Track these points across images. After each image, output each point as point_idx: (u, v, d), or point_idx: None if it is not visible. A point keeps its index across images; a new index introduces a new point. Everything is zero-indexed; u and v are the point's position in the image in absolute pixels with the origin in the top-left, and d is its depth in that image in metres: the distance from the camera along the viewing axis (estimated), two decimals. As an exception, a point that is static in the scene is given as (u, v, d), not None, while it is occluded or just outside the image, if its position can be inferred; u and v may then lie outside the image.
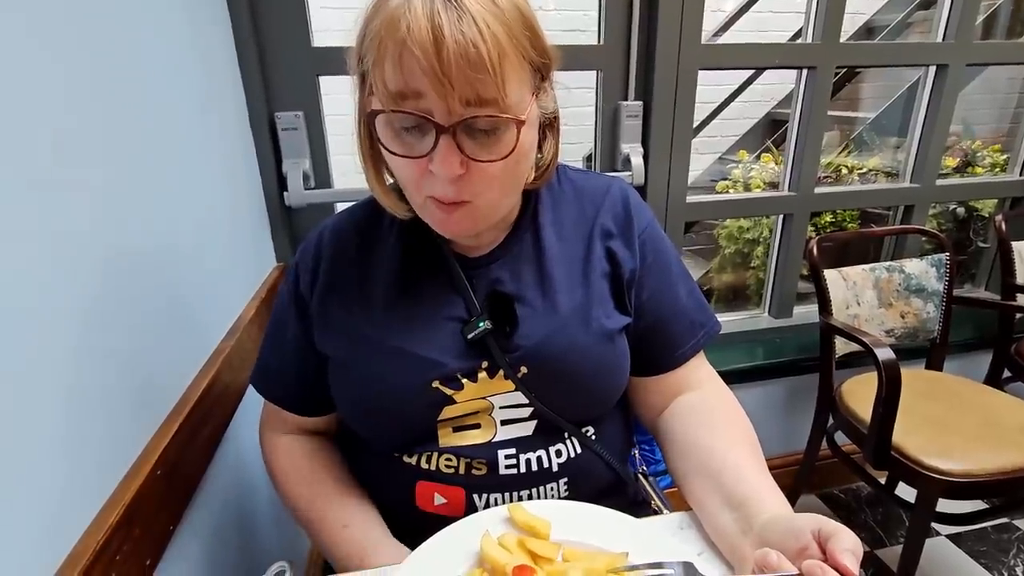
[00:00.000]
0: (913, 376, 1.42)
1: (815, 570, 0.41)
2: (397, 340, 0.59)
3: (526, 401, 0.61)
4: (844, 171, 2.77)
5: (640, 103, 1.32)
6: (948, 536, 1.57)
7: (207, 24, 0.94)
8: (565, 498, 0.63)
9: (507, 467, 0.61)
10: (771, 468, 0.58)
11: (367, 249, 0.64)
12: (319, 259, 0.64)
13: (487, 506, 0.61)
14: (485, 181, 0.51)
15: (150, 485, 0.57)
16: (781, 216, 1.60)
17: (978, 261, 2.00)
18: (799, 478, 1.58)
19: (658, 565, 0.48)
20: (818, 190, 1.54)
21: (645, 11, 1.25)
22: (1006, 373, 1.62)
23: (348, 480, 0.68)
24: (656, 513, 0.76)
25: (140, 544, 0.55)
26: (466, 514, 0.59)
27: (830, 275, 1.46)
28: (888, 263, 1.54)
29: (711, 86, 3.46)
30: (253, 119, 1.10)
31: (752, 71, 3.42)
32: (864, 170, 2.76)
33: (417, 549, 0.52)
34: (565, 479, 0.63)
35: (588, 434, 0.65)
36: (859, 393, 1.38)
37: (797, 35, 3.42)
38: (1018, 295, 1.58)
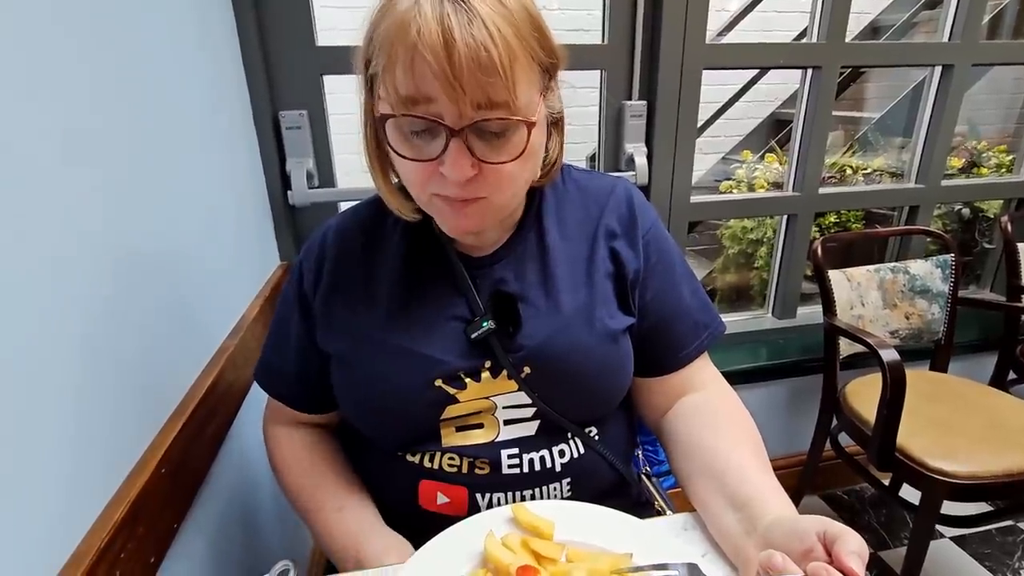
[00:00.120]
0: (917, 377, 1.41)
1: (820, 572, 0.40)
2: (400, 339, 0.59)
3: (529, 401, 0.61)
4: (849, 171, 2.76)
5: (644, 103, 1.32)
6: (952, 538, 1.56)
7: (214, 24, 0.94)
8: (568, 498, 0.63)
9: (510, 467, 0.61)
10: (774, 469, 0.58)
11: (372, 249, 0.64)
12: (323, 259, 0.64)
13: (490, 506, 0.61)
14: (496, 182, 0.51)
15: (154, 483, 0.58)
16: (785, 216, 1.59)
17: (983, 262, 1.99)
18: (802, 479, 1.57)
19: (662, 566, 0.48)
20: (822, 190, 1.54)
21: (649, 10, 1.25)
22: (1011, 375, 1.61)
23: (347, 472, 0.68)
24: (659, 514, 0.76)
25: (144, 542, 0.55)
26: (469, 513, 0.59)
27: (834, 276, 1.46)
28: (893, 264, 1.54)
29: (715, 86, 3.46)
30: (257, 118, 1.11)
31: (756, 71, 3.41)
32: (869, 170, 2.75)
33: (420, 549, 0.52)
34: (568, 479, 0.63)
35: (591, 434, 0.65)
36: (863, 394, 1.38)
37: (802, 35, 3.41)
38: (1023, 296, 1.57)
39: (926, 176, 1.60)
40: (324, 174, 1.22)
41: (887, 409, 1.17)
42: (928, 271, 1.53)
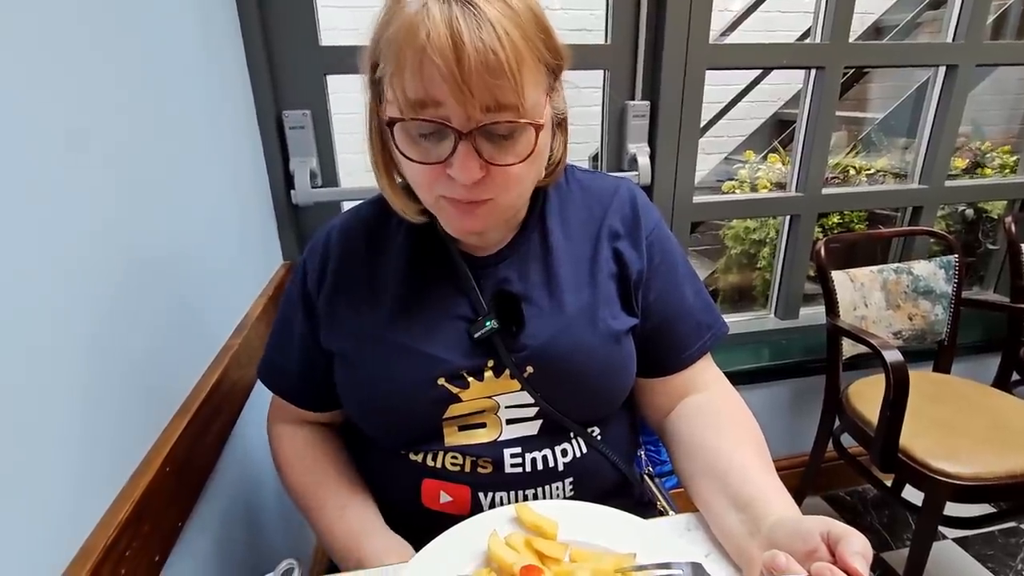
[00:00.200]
0: (921, 378, 1.41)
1: (824, 572, 0.40)
2: (404, 338, 0.60)
3: (532, 401, 0.61)
4: (852, 172, 2.75)
5: (647, 103, 1.32)
6: (955, 540, 1.56)
7: (218, 24, 0.94)
8: (570, 498, 0.63)
9: (513, 466, 0.61)
10: (777, 469, 0.57)
11: (375, 249, 0.64)
12: (327, 258, 0.64)
13: (492, 504, 0.61)
14: (503, 183, 0.51)
15: (159, 481, 0.58)
16: (788, 217, 1.59)
17: (987, 263, 1.98)
18: (805, 480, 1.57)
19: (666, 565, 0.48)
20: (826, 191, 1.54)
21: (653, 10, 1.25)
22: (1015, 376, 1.60)
23: (350, 471, 0.68)
24: (662, 514, 0.76)
25: (149, 540, 0.55)
26: (472, 512, 0.59)
27: (837, 276, 1.45)
28: (896, 265, 1.53)
29: (718, 86, 3.45)
30: (261, 117, 1.11)
31: (759, 71, 3.40)
32: (872, 171, 2.74)
33: (424, 548, 0.52)
34: (571, 479, 0.63)
35: (594, 434, 0.65)
36: (866, 395, 1.38)
37: (805, 35, 3.41)
38: (1027, 297, 1.57)
39: (930, 177, 1.60)
40: (327, 173, 1.23)
41: (890, 410, 1.17)
42: (931, 272, 1.53)
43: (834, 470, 1.60)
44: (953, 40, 1.50)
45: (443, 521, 0.56)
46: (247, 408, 0.86)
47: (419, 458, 0.62)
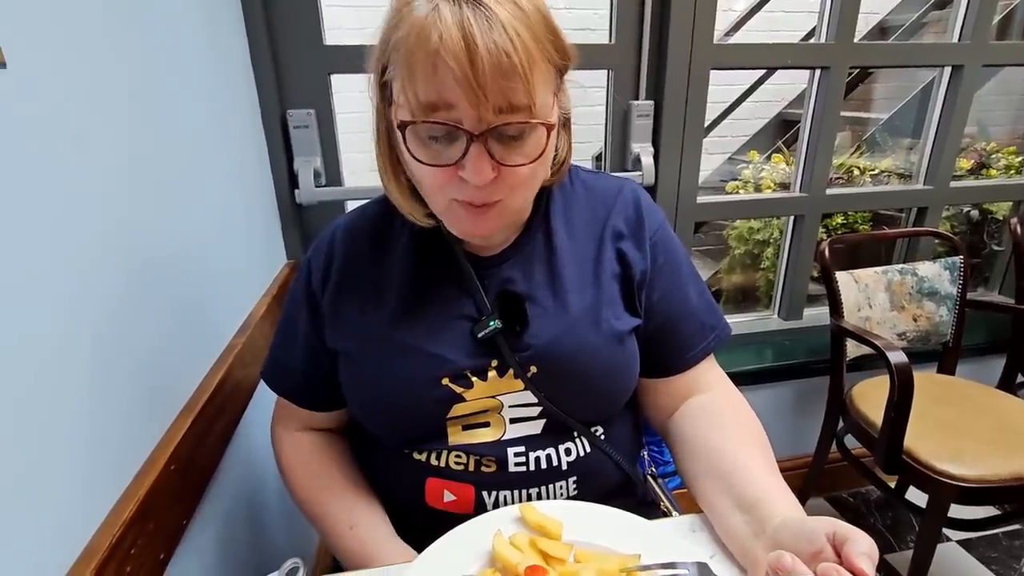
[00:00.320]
0: (925, 380, 1.41)
1: (831, 573, 0.40)
2: (408, 338, 0.60)
3: (535, 400, 0.61)
4: (856, 172, 2.74)
5: (651, 102, 1.31)
6: (959, 542, 1.56)
7: (223, 24, 0.95)
8: (574, 497, 0.63)
9: (516, 465, 0.61)
10: (780, 470, 0.57)
11: (380, 249, 0.64)
12: (332, 258, 0.64)
13: (496, 504, 0.61)
14: (513, 184, 0.51)
15: (164, 480, 0.58)
16: (792, 217, 1.59)
17: (992, 264, 1.97)
18: (808, 481, 1.57)
19: (671, 565, 0.48)
20: (830, 191, 1.53)
21: (657, 10, 1.25)
22: (1019, 378, 1.60)
23: (355, 476, 0.68)
24: (665, 514, 0.76)
25: (154, 539, 0.55)
26: (475, 511, 0.59)
27: (841, 277, 1.45)
28: (901, 266, 1.53)
29: (722, 86, 3.44)
30: (265, 117, 1.11)
31: (764, 71, 3.39)
32: (876, 171, 2.73)
33: (428, 548, 0.52)
34: (574, 478, 0.63)
35: (597, 434, 0.65)
36: (870, 396, 1.37)
37: (810, 35, 3.39)
38: (1032, 299, 1.56)
39: (934, 177, 1.59)
40: (331, 173, 1.23)
41: (894, 411, 1.17)
42: (936, 273, 1.53)
43: (837, 471, 1.60)
44: (959, 40, 1.49)
45: (447, 520, 0.56)
46: (251, 407, 0.86)
47: (423, 457, 0.62)
